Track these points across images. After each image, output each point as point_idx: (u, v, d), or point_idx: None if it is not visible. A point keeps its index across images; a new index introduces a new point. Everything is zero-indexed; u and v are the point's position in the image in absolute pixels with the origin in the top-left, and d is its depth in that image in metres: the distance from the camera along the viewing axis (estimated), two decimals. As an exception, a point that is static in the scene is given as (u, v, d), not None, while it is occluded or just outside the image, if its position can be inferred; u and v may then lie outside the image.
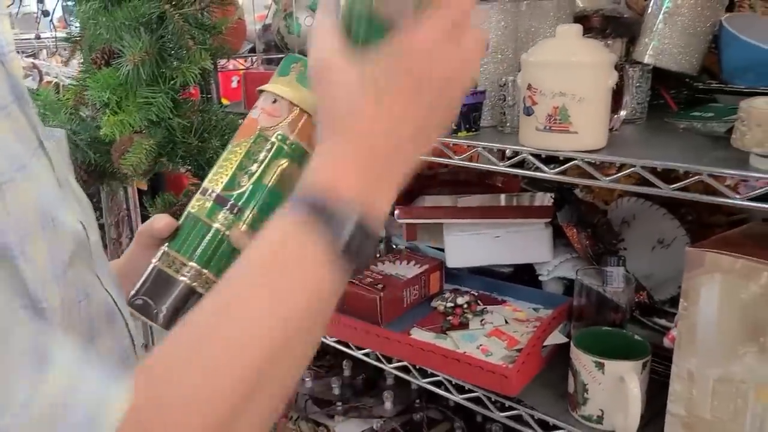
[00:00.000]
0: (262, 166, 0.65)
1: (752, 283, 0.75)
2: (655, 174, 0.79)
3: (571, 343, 0.95)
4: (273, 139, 0.66)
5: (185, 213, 0.67)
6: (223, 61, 1.41)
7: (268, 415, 0.43)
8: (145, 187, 2.30)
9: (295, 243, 0.44)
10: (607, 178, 0.83)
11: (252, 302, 0.42)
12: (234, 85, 2.40)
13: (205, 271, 0.64)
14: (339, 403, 1.45)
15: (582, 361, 0.92)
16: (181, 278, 0.64)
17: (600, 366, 0.90)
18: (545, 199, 1.26)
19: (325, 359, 1.62)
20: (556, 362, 1.04)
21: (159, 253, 0.66)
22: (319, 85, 0.47)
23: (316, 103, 0.48)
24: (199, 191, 0.67)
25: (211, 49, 1.15)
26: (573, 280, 1.14)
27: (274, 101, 0.67)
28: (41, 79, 2.79)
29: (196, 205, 0.66)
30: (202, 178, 1.21)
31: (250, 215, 0.65)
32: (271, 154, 0.66)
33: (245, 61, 1.57)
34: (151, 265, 0.65)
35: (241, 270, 0.44)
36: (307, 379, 1.52)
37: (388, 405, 1.41)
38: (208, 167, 1.18)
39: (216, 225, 0.64)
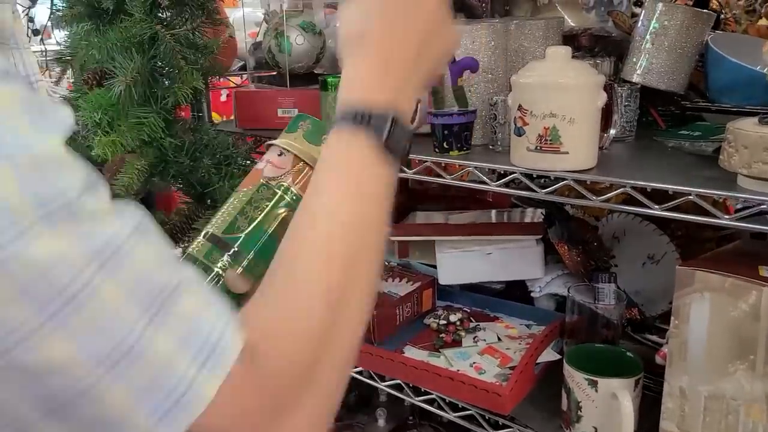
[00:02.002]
0: (263, 213, 0.67)
1: (741, 301, 0.76)
2: (644, 194, 0.79)
3: (564, 361, 0.95)
4: (275, 188, 0.68)
5: (185, 254, 0.68)
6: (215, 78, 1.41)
7: (361, 319, 0.50)
8: (134, 204, 2.29)
9: (355, 149, 0.52)
10: (598, 198, 0.84)
11: (332, 207, 0.50)
12: (223, 98, 2.40)
13: None
14: (332, 422, 1.44)
15: (575, 378, 0.92)
16: None
17: (593, 384, 0.90)
18: (535, 214, 1.27)
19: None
20: (549, 379, 1.04)
21: None
22: (340, 19, 0.58)
23: (303, 146, 0.62)
24: (201, 234, 0.69)
25: (202, 68, 1.16)
26: (565, 297, 1.15)
27: (280, 154, 0.69)
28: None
29: (195, 247, 0.68)
30: (193, 198, 1.23)
31: (247, 260, 0.66)
32: (272, 202, 0.68)
33: (239, 78, 1.58)
34: None
35: (319, 188, 0.52)
36: (299, 397, 1.52)
37: (381, 422, 1.41)
38: (200, 186, 1.19)
39: (213, 266, 0.66)
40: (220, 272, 0.66)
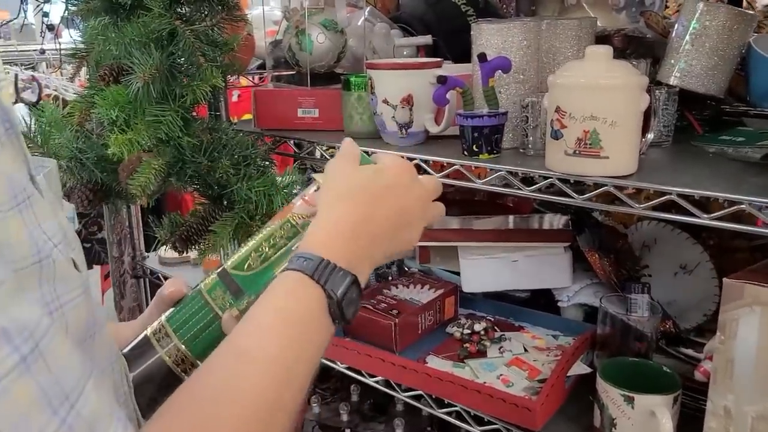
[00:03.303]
0: (278, 253, 0.63)
1: (795, 317, 0.72)
2: (685, 200, 0.75)
3: (597, 375, 0.91)
4: (299, 227, 0.63)
5: (195, 286, 0.65)
6: (231, 78, 1.38)
7: None
8: (145, 204, 2.27)
9: (306, 296, 0.52)
10: (640, 206, 0.79)
11: (266, 347, 0.49)
12: (234, 98, 2.36)
13: (183, 348, 0.61)
14: (347, 430, 1.40)
15: (609, 394, 0.88)
16: (160, 351, 0.61)
17: (629, 400, 0.86)
18: (560, 220, 1.23)
19: (330, 381, 1.57)
20: (579, 393, 1.00)
21: (157, 320, 0.63)
22: (332, 174, 0.61)
23: None
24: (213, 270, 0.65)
25: (222, 66, 1.12)
26: (593, 307, 1.11)
27: (317, 189, 0.64)
28: (41, 92, 2.76)
29: (205, 280, 0.64)
30: (210, 199, 1.19)
31: (247, 301, 0.61)
32: (291, 242, 0.63)
33: (253, 78, 1.54)
34: (145, 332, 0.63)
35: (259, 330, 0.51)
36: (314, 405, 1.48)
37: (398, 432, 1.37)
38: (218, 187, 1.16)
39: (214, 305, 0.62)
40: (219, 312, 0.61)
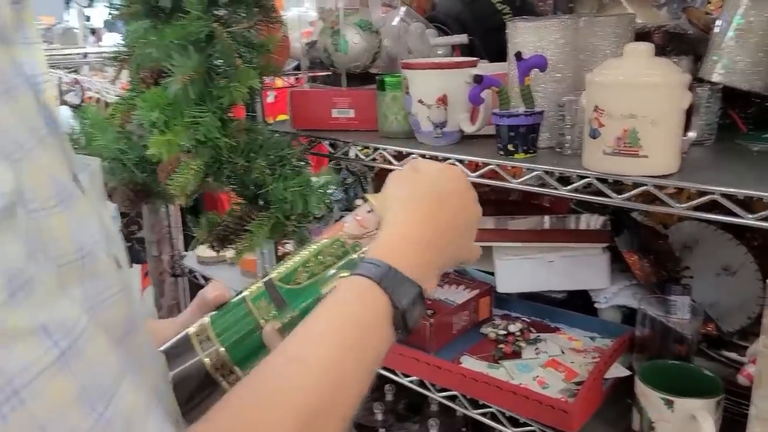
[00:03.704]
0: (325, 270, 0.62)
1: None
2: (729, 199, 0.74)
3: (636, 378, 0.89)
4: (349, 248, 0.62)
5: (239, 293, 0.65)
6: (267, 79, 1.39)
7: None
8: (184, 204, 2.31)
9: (371, 303, 0.52)
10: (681, 206, 0.78)
11: (325, 350, 0.49)
12: (270, 99, 2.39)
13: (223, 353, 0.61)
14: (382, 430, 1.41)
15: (649, 397, 0.86)
16: (200, 353, 0.61)
17: (669, 403, 0.84)
18: (597, 221, 1.21)
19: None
20: (616, 396, 0.99)
21: (199, 321, 0.64)
22: (402, 179, 0.62)
23: None
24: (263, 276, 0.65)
25: (258, 67, 1.13)
26: (632, 309, 1.09)
27: (370, 211, 0.64)
28: (83, 95, 2.83)
29: (251, 287, 0.64)
30: (246, 199, 1.20)
31: (290, 316, 0.61)
32: (340, 262, 0.62)
33: (287, 79, 1.55)
34: (186, 331, 0.63)
35: (321, 336, 0.50)
36: (348, 404, 1.48)
37: (433, 433, 1.37)
38: (254, 187, 1.17)
39: (257, 315, 0.61)
40: (261, 322, 0.61)
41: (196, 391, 0.60)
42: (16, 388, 0.31)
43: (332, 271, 0.61)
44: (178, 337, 0.64)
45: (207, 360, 0.61)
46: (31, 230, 0.37)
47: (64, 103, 2.81)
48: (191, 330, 0.63)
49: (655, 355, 0.97)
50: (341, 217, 1.47)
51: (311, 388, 0.46)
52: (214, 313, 0.64)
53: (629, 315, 1.12)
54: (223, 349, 0.61)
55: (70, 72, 2.96)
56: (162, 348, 0.63)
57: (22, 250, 0.34)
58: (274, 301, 0.61)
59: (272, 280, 0.62)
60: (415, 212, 0.58)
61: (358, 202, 1.42)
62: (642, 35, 1.08)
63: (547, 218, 1.19)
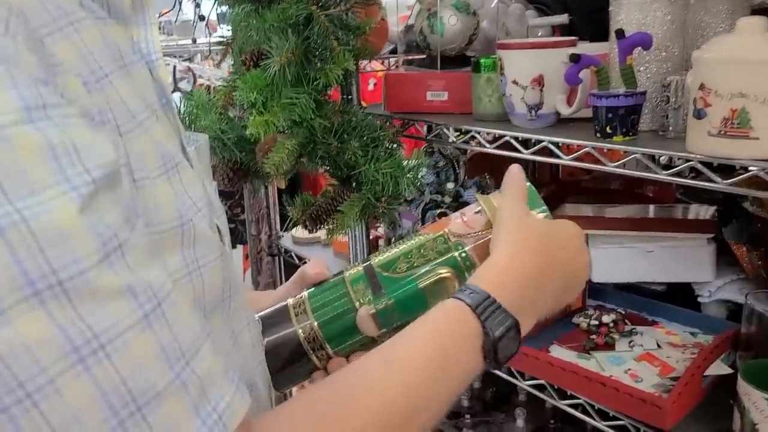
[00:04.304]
0: (426, 264, 0.62)
1: None
2: None
3: (739, 376, 0.84)
4: (453, 245, 0.62)
5: (339, 273, 0.66)
6: (363, 63, 1.41)
7: None
8: (283, 186, 2.38)
9: (462, 331, 0.52)
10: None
11: (412, 359, 0.49)
12: (371, 87, 2.42)
13: (317, 328, 0.63)
14: (468, 416, 1.40)
15: (752, 397, 0.81)
16: (295, 324, 0.63)
17: (775, 405, 0.79)
18: (705, 211, 1.14)
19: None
20: (717, 395, 0.93)
21: (298, 296, 0.66)
22: (509, 215, 0.60)
23: None
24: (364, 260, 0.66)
25: (354, 50, 1.15)
26: (738, 304, 1.02)
27: (478, 212, 0.63)
28: (195, 82, 2.98)
29: (351, 269, 0.65)
30: (339, 179, 1.23)
31: (385, 303, 0.61)
32: (441, 258, 0.62)
33: (382, 63, 1.57)
34: (286, 302, 0.66)
35: (409, 341, 0.51)
36: (435, 388, 1.48)
37: (520, 423, 1.35)
38: (346, 168, 1.19)
39: (353, 297, 0.63)
40: (356, 305, 0.62)
41: (287, 361, 0.63)
42: (102, 342, 0.34)
43: (431, 266, 0.61)
44: (277, 306, 0.67)
45: (300, 332, 0.63)
46: (133, 198, 0.39)
47: (178, 89, 2.98)
48: (290, 301, 0.66)
49: (761, 353, 0.91)
50: (434, 203, 1.48)
51: (391, 392, 0.47)
52: (312, 288, 0.66)
53: (735, 311, 1.05)
54: (316, 323, 0.63)
55: (183, 61, 3.13)
56: (260, 314, 0.65)
57: (119, 217, 0.36)
58: (371, 285, 0.62)
59: (372, 265, 0.63)
60: (524, 248, 0.57)
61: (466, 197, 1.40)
62: (760, 11, 1.00)
63: (646, 207, 1.13)
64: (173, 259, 0.42)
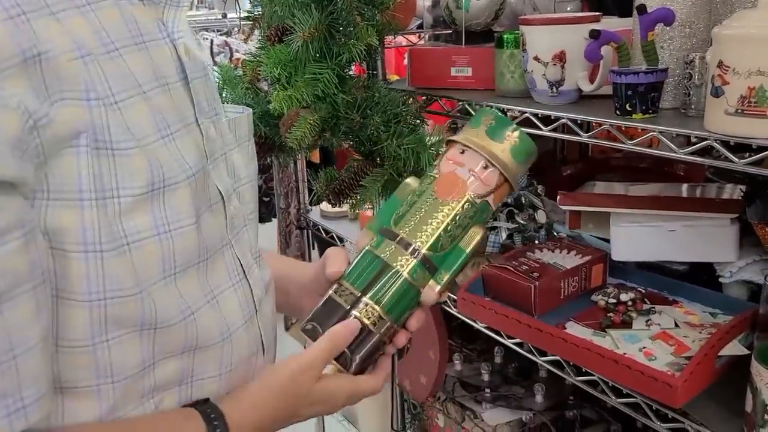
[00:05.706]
0: (464, 232, 0.70)
1: None
2: None
3: (752, 357, 0.83)
4: (480, 207, 0.71)
5: (368, 254, 0.71)
6: (393, 38, 1.41)
7: None
8: (317, 161, 2.40)
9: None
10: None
11: None
12: (406, 62, 2.41)
13: (396, 328, 0.71)
14: (487, 390, 1.42)
15: (764, 377, 0.80)
16: (377, 334, 0.69)
17: (786, 387, 0.78)
18: (731, 191, 1.12)
19: (477, 343, 1.59)
20: (733, 376, 0.92)
21: (364, 304, 0.70)
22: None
23: (512, 166, 0.70)
24: (395, 240, 0.70)
25: (377, 25, 1.15)
26: (761, 285, 1.01)
27: (486, 167, 0.70)
28: (231, 56, 3.02)
29: (401, 263, 0.69)
30: (362, 154, 1.24)
31: (447, 279, 0.71)
32: (473, 221, 0.71)
33: (417, 37, 1.56)
34: (354, 316, 0.70)
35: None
36: (456, 362, 1.51)
37: (539, 398, 1.36)
38: (369, 143, 1.20)
39: (415, 284, 0.70)
40: (420, 289, 0.70)
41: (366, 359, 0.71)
42: None
43: (467, 230, 0.70)
44: (321, 302, 0.72)
45: (386, 339, 0.71)
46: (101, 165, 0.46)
47: (215, 63, 3.02)
48: (358, 314, 0.69)
49: (779, 336, 0.90)
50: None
51: None
52: (377, 290, 0.70)
53: (757, 292, 1.03)
54: (395, 325, 0.71)
55: (221, 35, 3.17)
56: (307, 317, 0.71)
57: None
58: (430, 271, 0.70)
59: (423, 253, 0.70)
60: (273, 404, 0.64)
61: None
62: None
63: (670, 185, 1.12)
64: (143, 219, 0.48)
